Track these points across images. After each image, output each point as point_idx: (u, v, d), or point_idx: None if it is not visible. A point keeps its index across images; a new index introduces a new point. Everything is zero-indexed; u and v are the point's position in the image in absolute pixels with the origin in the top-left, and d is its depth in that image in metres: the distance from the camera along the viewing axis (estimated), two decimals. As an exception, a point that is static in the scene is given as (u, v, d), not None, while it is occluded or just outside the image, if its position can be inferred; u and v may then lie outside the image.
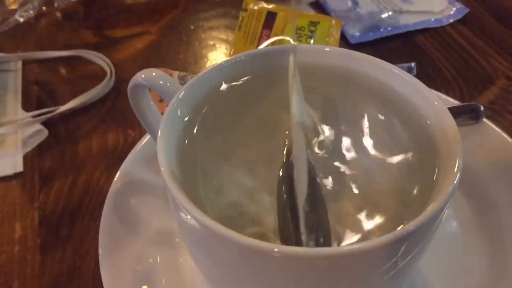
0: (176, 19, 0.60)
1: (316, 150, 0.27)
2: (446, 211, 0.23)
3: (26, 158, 0.42)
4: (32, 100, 0.48)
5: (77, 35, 0.57)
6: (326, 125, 0.29)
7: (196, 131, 0.28)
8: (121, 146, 0.43)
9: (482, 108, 0.36)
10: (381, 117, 0.29)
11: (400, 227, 0.20)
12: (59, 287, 0.33)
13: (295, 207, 0.22)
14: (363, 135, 0.28)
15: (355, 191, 0.25)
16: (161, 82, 0.29)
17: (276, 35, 0.51)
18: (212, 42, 0.56)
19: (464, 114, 0.37)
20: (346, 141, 0.28)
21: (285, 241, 0.23)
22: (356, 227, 0.24)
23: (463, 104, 0.38)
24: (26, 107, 0.47)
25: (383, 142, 0.28)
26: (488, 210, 0.33)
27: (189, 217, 0.22)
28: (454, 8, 0.58)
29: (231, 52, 0.51)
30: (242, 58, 0.30)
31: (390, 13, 0.57)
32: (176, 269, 0.31)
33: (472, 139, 0.35)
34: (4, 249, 0.36)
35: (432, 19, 0.57)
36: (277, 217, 0.23)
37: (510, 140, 0.35)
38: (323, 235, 0.23)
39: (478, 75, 0.50)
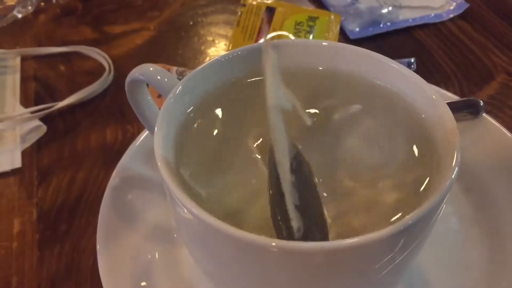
0: (174, 15, 0.59)
1: (303, 135, 0.27)
2: (444, 205, 0.23)
3: (25, 154, 0.42)
4: (30, 96, 0.48)
5: (76, 31, 0.57)
6: (318, 113, 0.28)
7: (193, 126, 0.28)
8: (119, 142, 0.43)
9: (481, 103, 0.36)
10: (376, 110, 0.29)
11: (398, 221, 0.20)
12: (57, 282, 0.33)
13: (282, 193, 0.21)
14: (357, 129, 0.28)
15: (349, 185, 0.25)
16: (159, 77, 0.29)
17: (274, 30, 0.51)
18: (210, 38, 0.56)
19: (464, 109, 0.36)
20: (339, 135, 0.28)
21: (279, 231, 0.22)
22: (351, 222, 0.24)
23: (462, 99, 0.38)
24: (25, 103, 0.47)
25: (378, 135, 0.28)
26: (487, 205, 0.33)
27: (186, 211, 0.22)
28: (454, 3, 0.58)
29: (230, 48, 0.51)
30: (240, 53, 0.30)
31: (390, 8, 0.57)
32: (174, 264, 0.31)
33: (472, 134, 0.35)
34: (3, 245, 0.35)
35: (432, 14, 0.56)
36: (269, 206, 0.23)
37: (509, 135, 0.34)
38: (316, 221, 0.23)
39: (478, 70, 0.50)
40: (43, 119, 0.45)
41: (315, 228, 0.22)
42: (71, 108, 0.46)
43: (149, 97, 0.32)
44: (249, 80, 0.30)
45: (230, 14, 0.59)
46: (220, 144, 0.27)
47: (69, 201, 0.38)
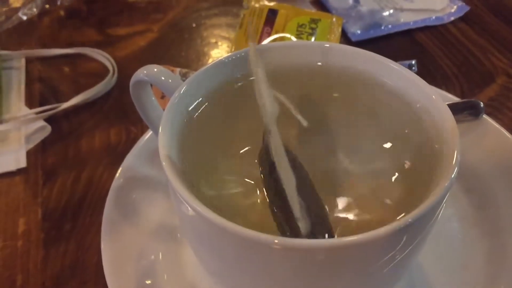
0: (178, 17, 0.60)
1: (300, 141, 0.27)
2: (445, 205, 0.23)
3: (30, 154, 0.43)
4: (35, 97, 0.49)
5: (80, 32, 0.58)
6: (316, 114, 0.29)
7: (197, 126, 0.28)
8: (123, 142, 0.43)
9: (481, 105, 0.37)
10: (376, 111, 0.29)
11: (398, 220, 0.21)
12: (62, 281, 0.33)
13: (282, 195, 0.22)
14: (357, 128, 0.28)
15: (349, 185, 0.26)
16: (163, 78, 0.29)
17: (277, 32, 0.51)
18: (214, 40, 0.56)
19: (464, 111, 0.37)
20: (338, 134, 0.28)
21: (283, 232, 0.23)
22: (352, 221, 0.24)
23: (463, 100, 0.39)
24: (30, 104, 0.48)
25: (378, 136, 0.28)
26: (487, 205, 0.33)
27: (190, 210, 0.23)
28: (455, 6, 0.58)
29: (233, 50, 0.52)
30: (243, 54, 0.30)
31: (391, 11, 0.57)
32: (178, 263, 0.32)
33: (472, 135, 0.36)
34: (8, 244, 0.36)
35: (433, 17, 0.57)
36: (270, 207, 0.24)
37: (509, 136, 0.35)
38: (320, 220, 0.23)
39: (478, 72, 0.50)
40: (48, 120, 0.45)
41: (320, 227, 0.22)
42: (75, 109, 0.47)
43: (153, 98, 0.32)
44: (252, 81, 0.30)
45: (233, 16, 0.59)
46: (224, 144, 0.28)
47: (74, 200, 0.39)
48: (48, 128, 0.45)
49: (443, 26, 0.56)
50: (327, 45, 0.31)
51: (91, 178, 0.40)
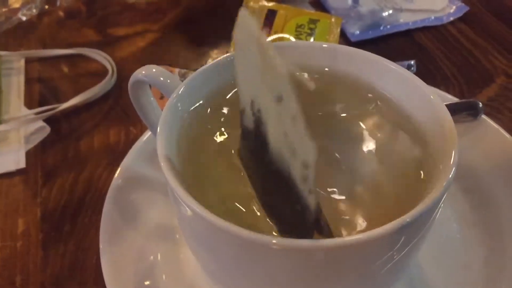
0: (177, 18, 0.60)
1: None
2: (443, 205, 0.23)
3: (29, 154, 0.43)
4: (34, 97, 0.49)
5: (80, 33, 0.58)
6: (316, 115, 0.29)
7: (196, 126, 0.28)
8: (122, 143, 0.43)
9: (480, 105, 0.37)
10: (375, 111, 0.29)
11: (396, 220, 0.21)
12: (61, 281, 0.33)
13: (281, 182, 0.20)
14: (355, 129, 0.28)
15: (348, 184, 0.26)
16: (162, 79, 0.29)
17: (276, 32, 0.51)
18: (213, 40, 0.56)
19: (463, 111, 0.37)
20: (337, 133, 0.28)
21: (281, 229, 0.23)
22: (350, 220, 0.24)
23: (462, 100, 0.39)
24: (29, 104, 0.48)
25: (377, 136, 0.28)
26: (486, 206, 0.33)
27: (188, 210, 0.23)
28: (454, 7, 0.58)
29: (232, 50, 0.52)
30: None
31: (391, 11, 0.58)
32: (177, 264, 0.32)
33: (471, 135, 0.36)
34: (7, 244, 0.36)
35: (433, 17, 0.57)
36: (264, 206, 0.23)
37: (508, 137, 0.35)
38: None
39: (477, 73, 0.50)
40: (47, 120, 0.45)
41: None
42: (74, 109, 0.47)
43: (152, 98, 0.32)
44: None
45: (232, 17, 0.59)
46: (222, 144, 0.28)
47: (73, 201, 0.39)
48: (48, 129, 0.45)
49: (442, 26, 0.56)
50: (326, 45, 0.31)
51: (90, 179, 0.40)
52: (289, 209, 0.21)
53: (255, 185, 0.24)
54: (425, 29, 0.56)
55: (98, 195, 0.39)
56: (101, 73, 0.51)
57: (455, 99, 0.39)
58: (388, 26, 0.55)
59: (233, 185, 0.26)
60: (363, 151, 0.27)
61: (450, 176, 0.22)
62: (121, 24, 0.59)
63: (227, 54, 0.30)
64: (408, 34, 0.55)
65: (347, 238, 0.20)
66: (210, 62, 0.30)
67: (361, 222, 0.24)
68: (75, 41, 0.56)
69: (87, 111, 0.47)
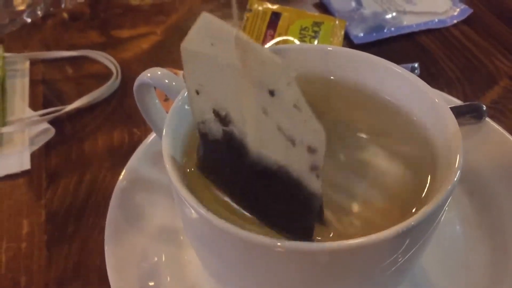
0: (181, 20, 0.60)
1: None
2: (447, 208, 0.23)
3: (33, 156, 0.43)
4: (39, 99, 0.49)
5: (84, 35, 0.58)
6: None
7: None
8: (126, 144, 0.43)
9: (484, 108, 0.37)
10: (379, 114, 0.29)
11: (401, 223, 0.21)
12: (65, 283, 0.33)
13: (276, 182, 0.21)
14: (359, 132, 0.28)
15: (352, 186, 0.26)
16: (167, 81, 0.29)
17: (280, 35, 0.51)
18: (216, 43, 0.56)
19: (467, 114, 0.37)
20: (341, 136, 0.28)
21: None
22: (353, 223, 0.24)
23: (466, 103, 0.39)
24: (33, 106, 0.48)
25: (381, 138, 0.28)
26: (490, 208, 0.33)
27: (193, 213, 0.23)
28: (458, 9, 0.58)
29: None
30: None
31: (394, 13, 0.58)
32: (181, 265, 0.32)
33: (475, 138, 0.36)
34: (12, 246, 0.36)
35: (436, 20, 0.57)
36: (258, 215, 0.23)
37: (512, 139, 0.35)
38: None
39: (481, 75, 0.50)
40: (52, 122, 0.46)
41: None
42: (79, 111, 0.47)
43: (156, 101, 0.32)
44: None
45: (236, 19, 0.59)
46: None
47: (77, 202, 0.39)
48: (52, 130, 0.45)
49: (446, 28, 0.56)
50: (330, 49, 0.31)
51: (95, 180, 0.40)
52: (285, 204, 0.22)
53: (233, 192, 0.24)
54: (429, 32, 0.56)
55: (102, 197, 0.39)
56: (105, 75, 0.51)
57: (458, 102, 0.39)
58: (392, 29, 0.55)
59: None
60: (367, 154, 0.27)
61: (455, 179, 0.22)
62: (125, 26, 0.59)
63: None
64: (411, 37, 0.55)
65: (351, 241, 0.20)
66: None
67: (365, 225, 0.24)
68: (80, 43, 0.56)
69: (92, 112, 0.47)
